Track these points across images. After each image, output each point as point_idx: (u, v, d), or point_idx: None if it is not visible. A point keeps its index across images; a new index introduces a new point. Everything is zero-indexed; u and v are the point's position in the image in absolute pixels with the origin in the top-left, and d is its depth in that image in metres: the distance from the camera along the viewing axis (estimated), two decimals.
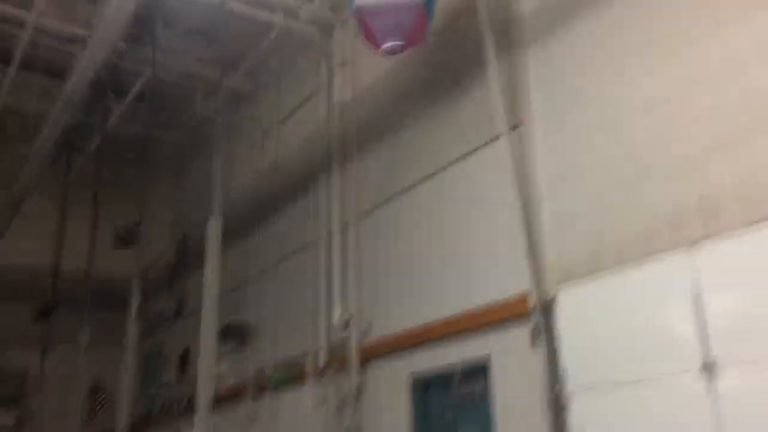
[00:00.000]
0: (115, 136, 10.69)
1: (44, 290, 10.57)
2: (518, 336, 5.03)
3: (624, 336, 4.41)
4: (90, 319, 10.30)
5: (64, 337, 10.54)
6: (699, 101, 4.27)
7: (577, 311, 4.77)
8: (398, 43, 4.96)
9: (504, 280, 5.30)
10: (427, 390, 6.11)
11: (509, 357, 5.18)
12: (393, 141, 7.04)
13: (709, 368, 3.89)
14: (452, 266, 5.94)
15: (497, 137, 5.51)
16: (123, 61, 9.30)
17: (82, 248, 10.62)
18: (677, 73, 4.44)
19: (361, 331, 6.90)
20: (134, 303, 11.80)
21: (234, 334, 9.06)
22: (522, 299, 5.03)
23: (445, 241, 6.09)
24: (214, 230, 9.21)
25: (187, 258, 10.95)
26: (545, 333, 4.85)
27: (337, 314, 7.13)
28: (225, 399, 8.83)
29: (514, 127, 5.45)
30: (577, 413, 4.62)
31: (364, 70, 7.72)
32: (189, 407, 9.11)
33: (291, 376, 7.73)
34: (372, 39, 5.10)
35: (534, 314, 4.90)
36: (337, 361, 7.07)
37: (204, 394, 8.54)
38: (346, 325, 7.01)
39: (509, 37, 5.71)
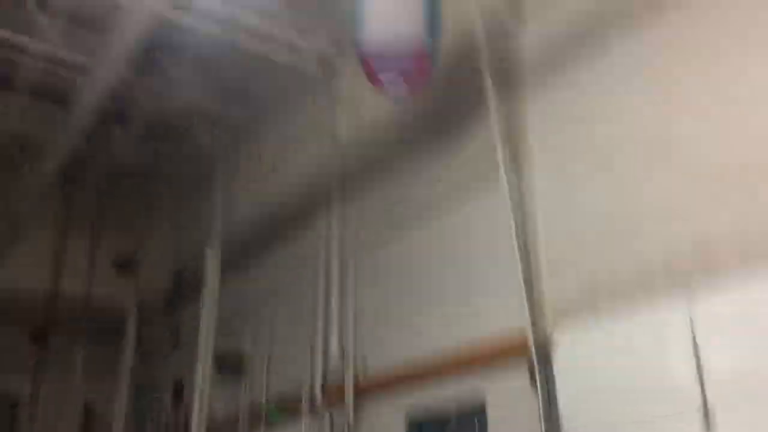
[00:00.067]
0: (117, 166, 10.76)
1: (40, 315, 10.54)
2: (514, 376, 5.05)
3: (620, 378, 4.44)
4: (85, 346, 10.26)
5: (58, 364, 10.48)
6: (695, 146, 4.37)
7: (574, 352, 4.80)
8: (403, 86, 5.05)
9: (501, 321, 5.34)
10: (423, 430, 6.08)
11: (505, 397, 5.20)
12: (393, 179, 7.12)
13: (705, 412, 3.91)
14: (449, 305, 5.99)
15: (496, 178, 5.60)
16: (128, 91, 9.40)
17: (81, 275, 10.63)
18: (673, 119, 4.54)
19: (357, 367, 6.90)
20: (130, 331, 11.75)
21: (229, 365, 9.02)
22: (519, 339, 5.07)
23: (442, 280, 6.14)
24: (212, 260, 9.24)
25: (184, 288, 10.94)
26: (542, 373, 4.88)
27: (333, 348, 7.14)
28: (219, 430, 8.76)
29: (513, 169, 5.54)
30: None
31: (366, 108, 7.82)
32: None
33: (286, 409, 7.69)
34: (377, 82, 5.20)
35: (531, 355, 4.93)
36: (332, 396, 7.05)
37: (198, 424, 8.48)
38: (343, 360, 7.01)
39: (509, 81, 5.83)
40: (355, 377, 6.86)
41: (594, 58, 5.18)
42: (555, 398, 4.79)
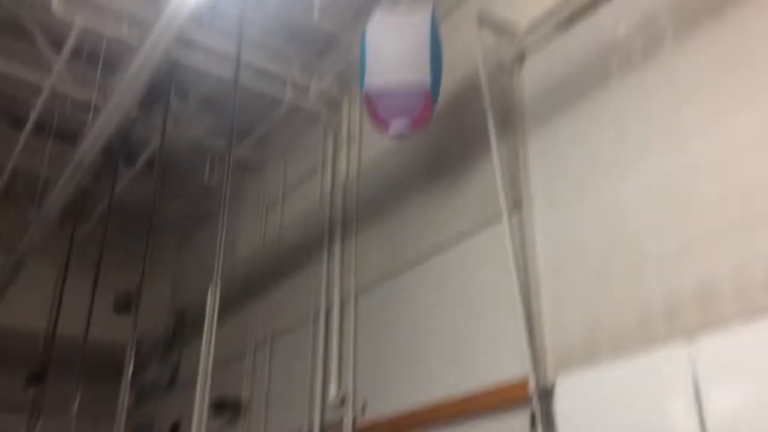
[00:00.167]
0: (120, 203, 10.78)
1: (38, 355, 10.44)
2: (515, 423, 4.92)
3: (622, 424, 4.29)
4: (82, 386, 10.13)
5: (55, 405, 10.33)
6: (698, 190, 4.31)
7: (575, 399, 4.68)
8: (405, 126, 5.07)
9: (501, 366, 5.22)
10: None
11: None
12: (394, 218, 7.08)
13: None
14: (449, 349, 5.87)
15: (498, 219, 5.54)
16: (134, 129, 9.48)
17: (80, 314, 10.52)
18: (677, 161, 4.49)
19: (356, 411, 6.76)
20: (127, 371, 11.60)
21: (227, 408, 8.89)
22: (520, 384, 4.95)
23: (442, 324, 6.04)
24: (213, 300, 9.14)
25: (183, 328, 10.85)
26: (543, 420, 4.75)
27: (332, 392, 7.02)
28: None
29: (515, 209, 5.49)
30: None
31: (368, 147, 7.84)
32: None
33: None
34: (380, 122, 5.22)
35: (532, 401, 4.81)
36: None
37: None
38: (342, 403, 6.89)
39: (511, 121, 5.81)
40: (354, 421, 6.72)
41: (596, 98, 5.16)
42: None
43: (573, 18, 5.51)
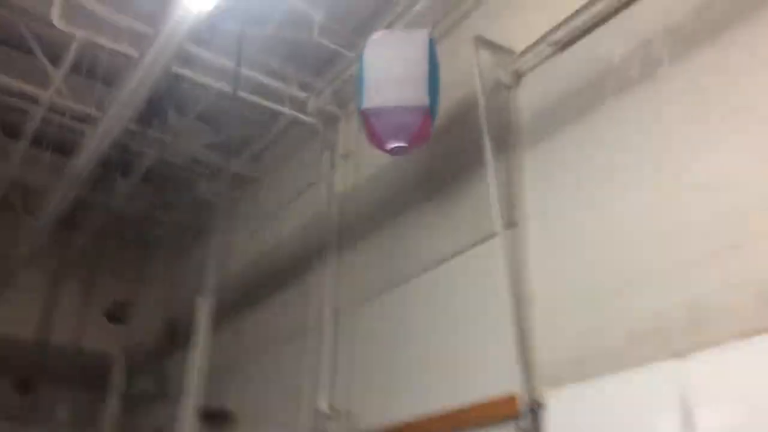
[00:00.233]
0: (116, 214, 10.81)
1: (28, 364, 10.41)
2: None
3: None
4: (71, 394, 10.12)
5: (43, 412, 10.31)
6: (690, 210, 4.38)
7: (565, 416, 4.72)
8: (402, 144, 5.13)
9: (491, 382, 5.27)
10: None
11: None
12: (389, 234, 7.15)
13: None
14: (440, 364, 5.92)
15: (492, 236, 5.61)
16: (131, 142, 9.53)
17: (71, 324, 10.55)
18: (670, 182, 4.57)
19: (346, 425, 6.79)
20: (115, 381, 11.59)
21: (215, 418, 8.87)
22: (510, 400, 4.99)
23: (434, 339, 6.09)
24: (204, 310, 9.15)
25: (174, 339, 10.84)
26: None
27: (323, 405, 7.04)
28: None
29: (509, 226, 5.56)
30: None
31: (365, 163, 7.92)
32: None
33: None
34: (377, 140, 5.27)
35: (521, 417, 4.86)
36: None
37: None
38: (332, 416, 6.90)
39: (507, 139, 5.90)
40: None
41: (591, 118, 5.25)
42: None
43: (569, 40, 5.61)
